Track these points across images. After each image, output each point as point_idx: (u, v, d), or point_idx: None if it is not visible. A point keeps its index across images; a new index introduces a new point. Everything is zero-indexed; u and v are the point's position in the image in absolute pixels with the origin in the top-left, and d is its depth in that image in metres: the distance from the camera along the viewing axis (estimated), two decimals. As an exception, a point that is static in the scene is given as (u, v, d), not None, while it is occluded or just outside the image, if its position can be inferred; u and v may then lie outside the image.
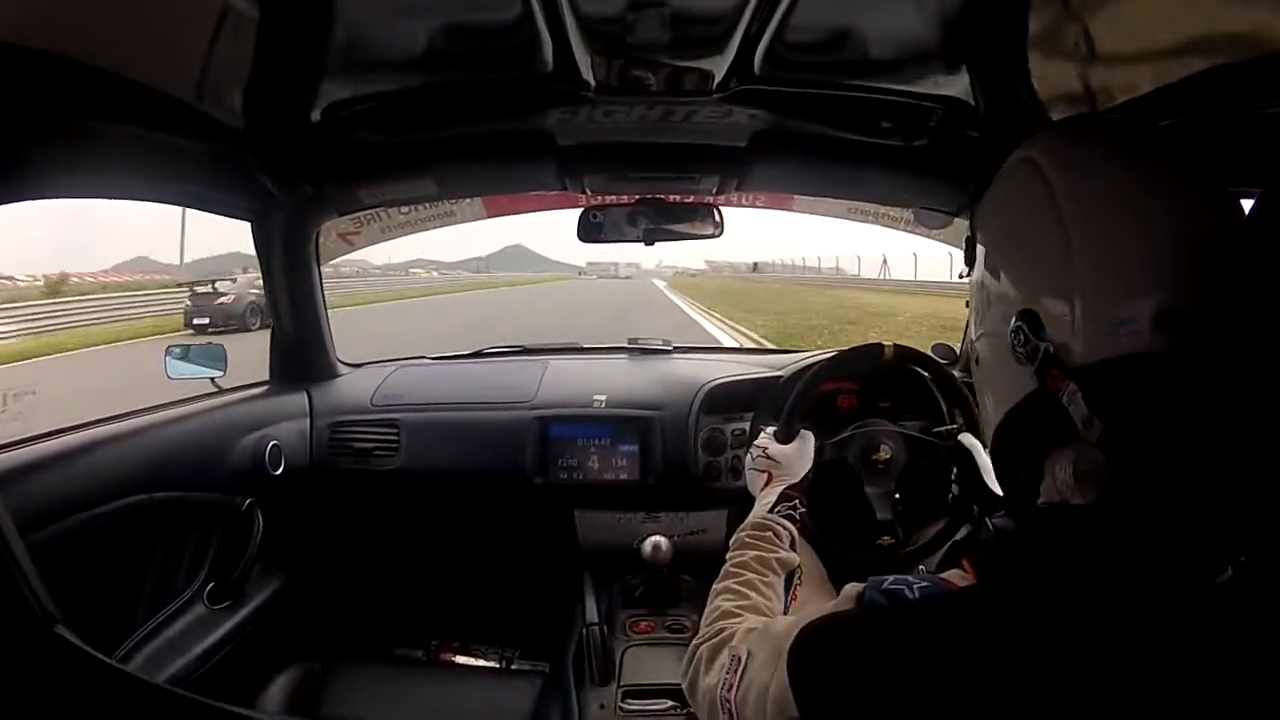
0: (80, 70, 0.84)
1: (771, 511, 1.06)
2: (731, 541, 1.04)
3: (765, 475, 1.16)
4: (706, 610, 0.90)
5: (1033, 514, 0.63)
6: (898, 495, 1.33)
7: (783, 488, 1.10)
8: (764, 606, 0.88)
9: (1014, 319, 0.61)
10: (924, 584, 0.62)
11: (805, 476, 1.16)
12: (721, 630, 0.82)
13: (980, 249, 0.71)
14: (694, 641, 0.85)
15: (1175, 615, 0.49)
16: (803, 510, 1.07)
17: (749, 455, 1.22)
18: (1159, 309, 0.55)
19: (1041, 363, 0.59)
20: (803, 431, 1.23)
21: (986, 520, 0.65)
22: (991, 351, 0.68)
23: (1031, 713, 0.50)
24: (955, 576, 0.63)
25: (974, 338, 0.73)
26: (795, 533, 1.03)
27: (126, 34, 0.84)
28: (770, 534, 1.01)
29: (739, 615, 0.85)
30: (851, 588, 0.68)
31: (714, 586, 0.94)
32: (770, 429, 1.25)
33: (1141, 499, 0.53)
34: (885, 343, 1.33)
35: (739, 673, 0.72)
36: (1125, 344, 0.56)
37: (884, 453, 1.34)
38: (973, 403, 1.33)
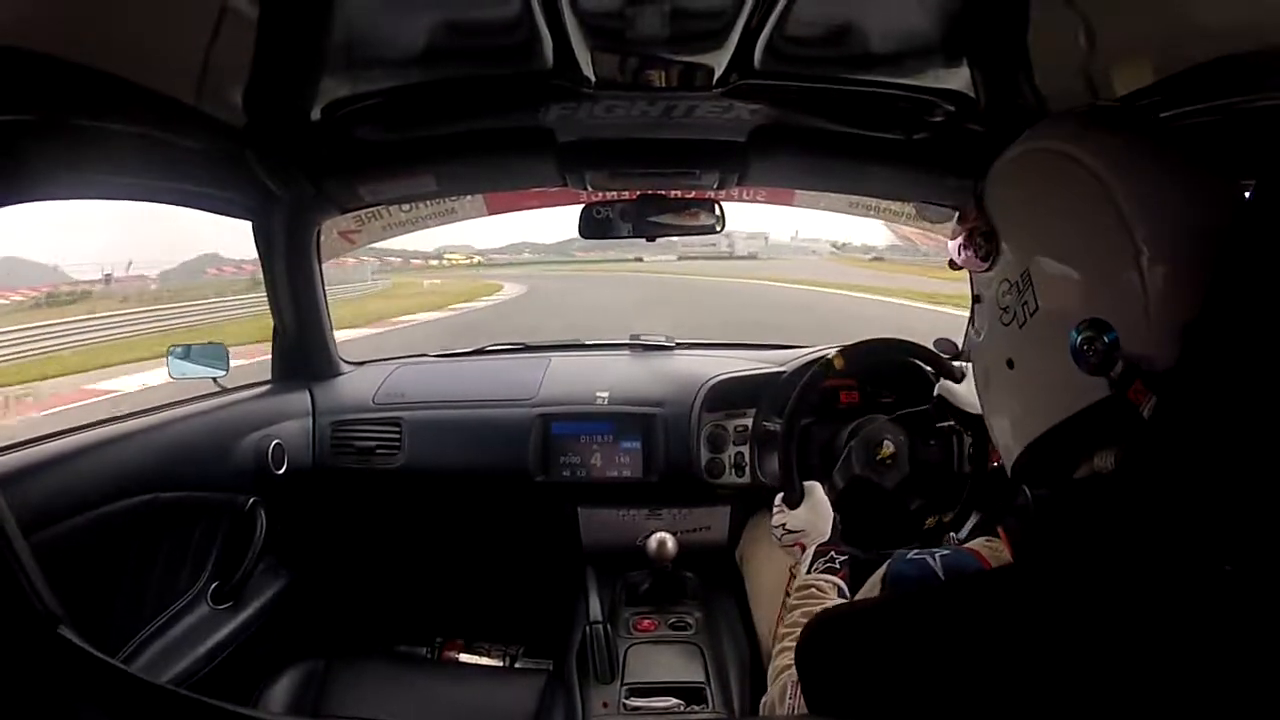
0: (79, 71, 0.84)
1: (809, 571, 1.05)
2: (782, 614, 1.05)
3: (798, 546, 1.16)
4: (772, 680, 0.91)
5: (1069, 485, 0.62)
6: (918, 477, 1.36)
7: (815, 547, 1.11)
8: None
9: (1081, 327, 0.59)
10: (946, 553, 0.62)
11: (835, 525, 1.16)
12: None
13: (1013, 249, 0.68)
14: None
15: (1209, 599, 0.49)
16: (843, 558, 1.06)
17: (774, 534, 1.23)
18: (1218, 309, 0.53)
19: (1123, 375, 0.57)
20: (806, 485, 1.24)
21: (1024, 489, 0.64)
22: (1039, 354, 0.65)
23: (1056, 698, 0.50)
24: (982, 546, 0.63)
25: (1003, 341, 0.70)
26: (842, 582, 1.02)
27: (125, 34, 0.84)
28: (813, 590, 1.01)
29: None
30: (874, 580, 0.69)
31: (774, 663, 0.95)
32: (777, 498, 1.25)
33: (1180, 476, 0.52)
34: (830, 354, 1.35)
35: (797, 695, 0.75)
36: (1194, 349, 0.54)
37: (887, 448, 1.36)
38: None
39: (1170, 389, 0.54)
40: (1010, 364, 0.69)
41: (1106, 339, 0.57)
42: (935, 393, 1.32)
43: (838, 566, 1.04)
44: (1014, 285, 0.67)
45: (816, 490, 1.23)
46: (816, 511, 1.19)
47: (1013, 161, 0.70)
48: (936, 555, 0.64)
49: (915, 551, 0.66)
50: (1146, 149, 0.62)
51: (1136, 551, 0.51)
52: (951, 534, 1.30)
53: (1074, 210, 0.62)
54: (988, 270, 0.71)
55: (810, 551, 1.09)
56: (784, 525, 1.20)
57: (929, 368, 1.40)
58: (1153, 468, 0.53)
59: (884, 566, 0.68)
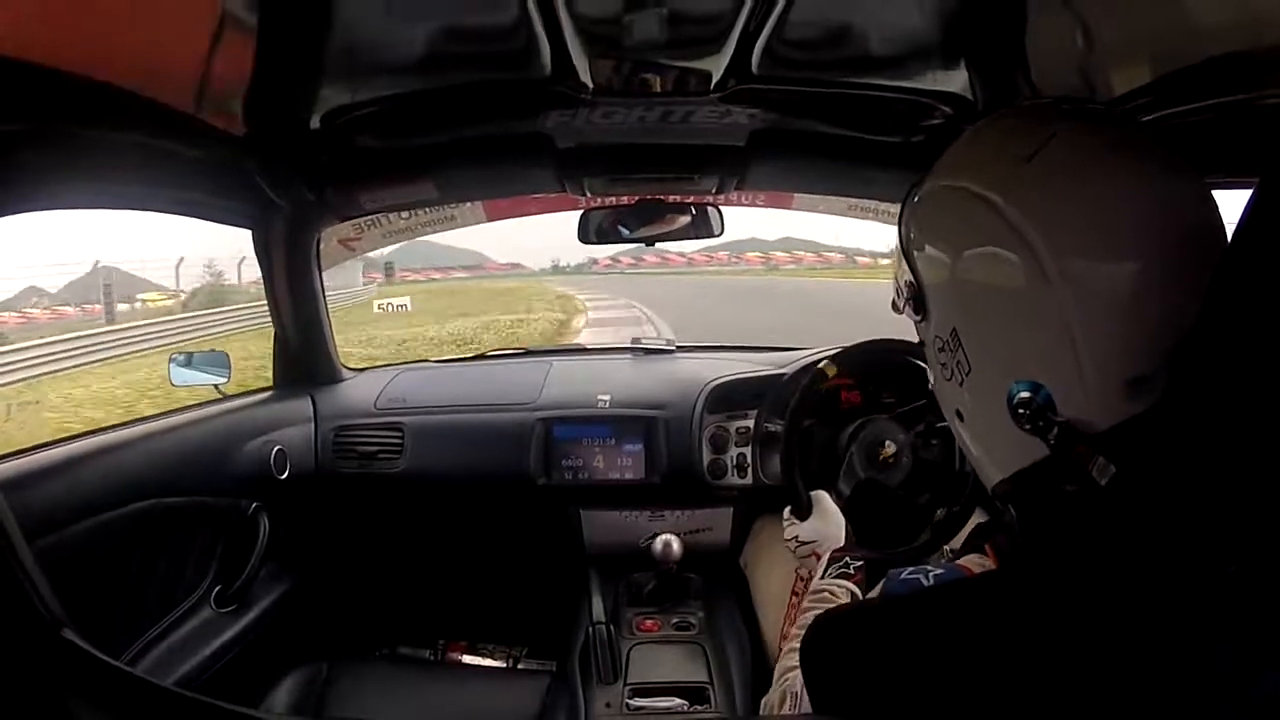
0: (80, 82, 0.84)
1: (823, 577, 1.04)
2: (791, 617, 1.05)
3: (814, 556, 1.16)
4: (776, 681, 0.89)
5: (1053, 499, 0.60)
6: (921, 475, 1.38)
7: (830, 553, 1.10)
8: None
9: (1015, 389, 0.55)
10: (939, 571, 0.62)
11: (847, 530, 1.16)
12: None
13: (937, 305, 0.64)
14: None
15: (1192, 603, 0.47)
16: (859, 563, 1.05)
17: (788, 547, 1.23)
18: (1170, 354, 0.50)
19: (1060, 438, 0.53)
20: (813, 495, 1.24)
21: (1009, 506, 0.63)
22: (982, 412, 0.61)
23: (1039, 699, 0.50)
24: (972, 562, 0.63)
25: (948, 395, 0.67)
26: (855, 586, 1.01)
27: (126, 44, 0.84)
28: (825, 594, 1.00)
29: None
30: (872, 595, 0.69)
31: (780, 663, 0.91)
32: (785, 511, 1.25)
33: (1158, 492, 0.50)
34: (824, 364, 1.35)
35: (799, 703, 0.74)
36: (1142, 401, 0.51)
37: (889, 448, 1.37)
38: None
39: (1121, 449, 0.51)
40: (960, 416, 0.66)
41: (1040, 400, 0.54)
42: (929, 386, 1.33)
43: (852, 571, 1.03)
44: (946, 343, 0.63)
45: (824, 499, 1.23)
46: (826, 520, 1.20)
47: (924, 202, 0.65)
48: (930, 574, 0.63)
49: (909, 571, 0.65)
50: (1067, 178, 0.54)
51: (1113, 556, 0.50)
52: (946, 548, 1.31)
53: (991, 262, 0.56)
54: (923, 321, 0.68)
55: (825, 558, 1.09)
56: (797, 538, 1.20)
57: (924, 365, 1.40)
58: (1121, 511, 0.51)
59: (880, 585, 0.68)
